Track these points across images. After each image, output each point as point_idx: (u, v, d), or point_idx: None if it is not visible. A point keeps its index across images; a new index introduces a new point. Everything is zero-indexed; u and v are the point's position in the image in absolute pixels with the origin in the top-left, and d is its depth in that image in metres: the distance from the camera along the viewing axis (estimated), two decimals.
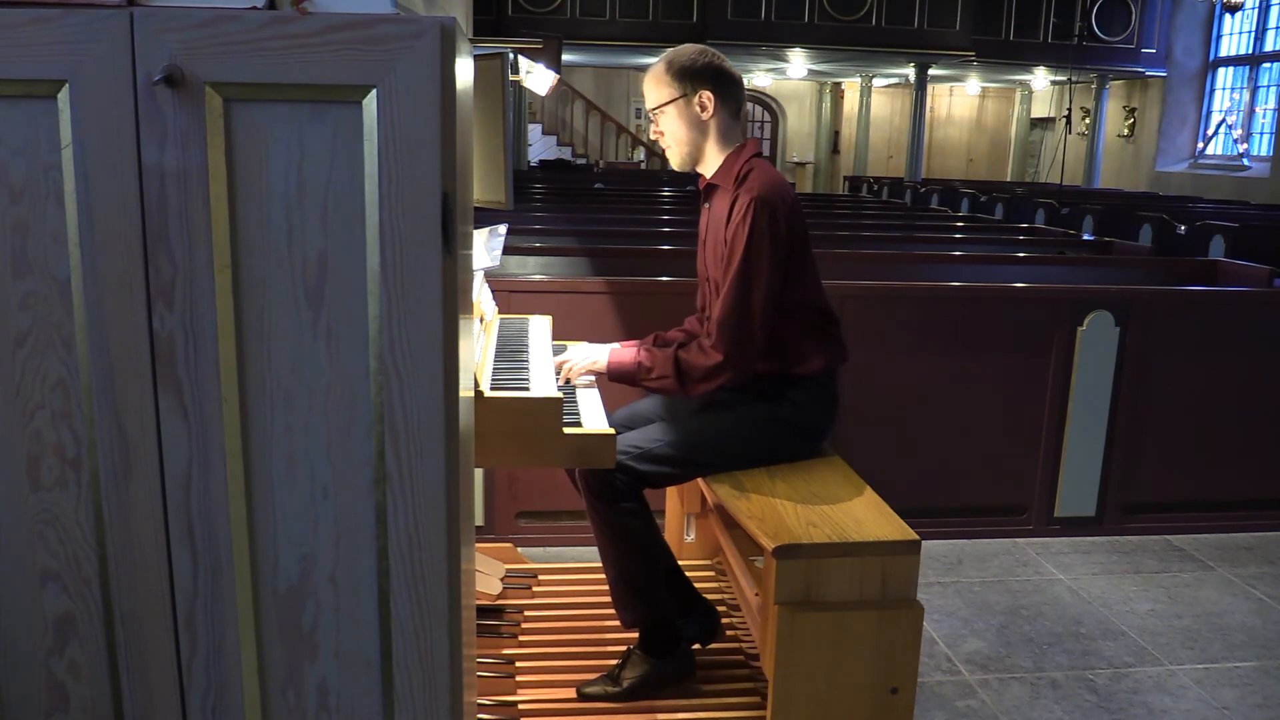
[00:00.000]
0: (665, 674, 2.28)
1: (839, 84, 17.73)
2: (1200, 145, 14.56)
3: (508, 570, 2.84)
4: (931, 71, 14.25)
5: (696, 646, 2.34)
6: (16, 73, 1.19)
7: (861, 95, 15.68)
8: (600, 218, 6.03)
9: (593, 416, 2.09)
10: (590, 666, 2.37)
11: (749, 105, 18.39)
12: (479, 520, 3.25)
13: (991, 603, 3.02)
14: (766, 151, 18.82)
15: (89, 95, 1.20)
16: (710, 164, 2.27)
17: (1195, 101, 14.54)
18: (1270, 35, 13.34)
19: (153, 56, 1.18)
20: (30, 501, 1.31)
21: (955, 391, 3.40)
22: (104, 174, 1.21)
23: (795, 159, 18.27)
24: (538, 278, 3.37)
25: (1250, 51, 13.63)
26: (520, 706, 2.26)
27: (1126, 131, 15.58)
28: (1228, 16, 13.92)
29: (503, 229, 2.51)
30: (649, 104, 2.25)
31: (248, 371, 1.26)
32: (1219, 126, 14.27)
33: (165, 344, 1.26)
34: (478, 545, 2.81)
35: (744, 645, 2.53)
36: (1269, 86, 13.37)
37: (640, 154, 15.88)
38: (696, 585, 2.36)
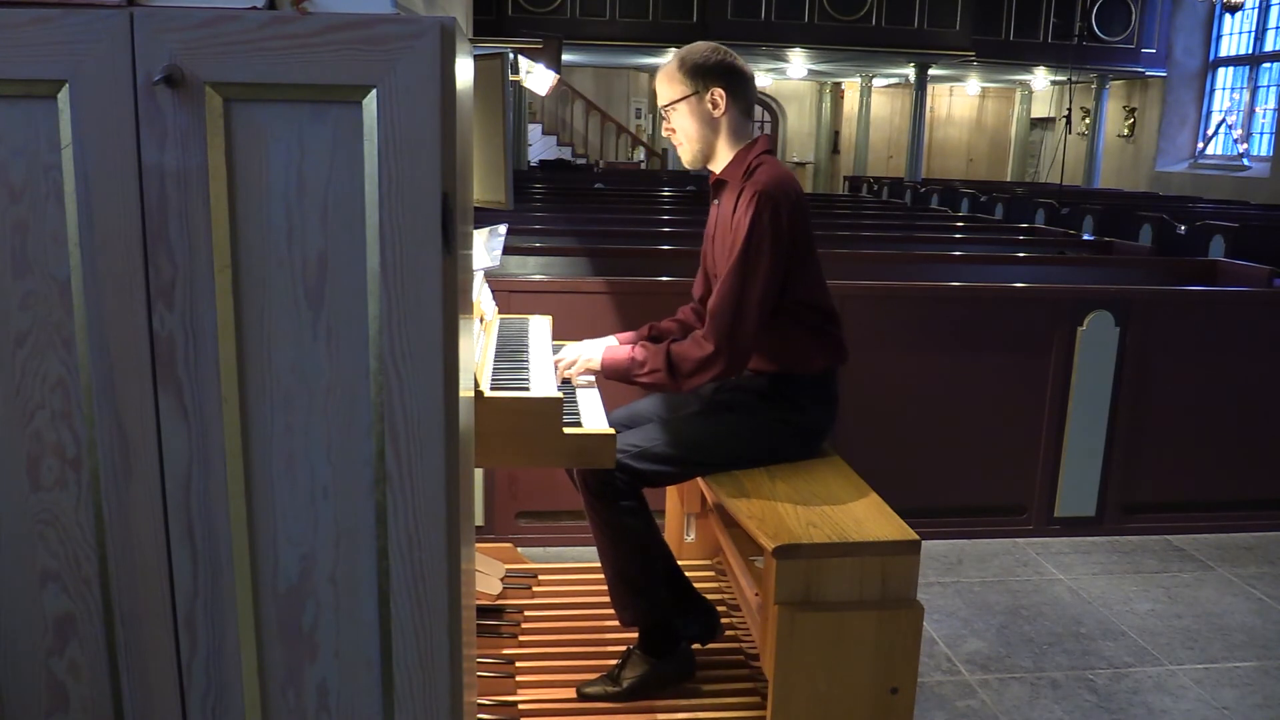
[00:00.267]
0: (665, 674, 2.28)
1: (839, 84, 17.73)
2: (1200, 145, 14.56)
3: (508, 570, 2.84)
4: (931, 71, 14.25)
5: (696, 646, 2.34)
6: (16, 73, 1.19)
7: (861, 95, 15.68)
8: (600, 218, 6.03)
9: (593, 416, 2.09)
10: (590, 666, 2.37)
11: None
12: (479, 520, 3.25)
13: (991, 603, 3.02)
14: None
15: (89, 95, 1.20)
16: (721, 160, 2.27)
17: (1195, 101, 14.54)
18: (1270, 35, 13.34)
19: (153, 56, 1.18)
20: (30, 501, 1.31)
21: (955, 391, 3.40)
22: (104, 174, 1.21)
23: (795, 159, 18.26)
24: (538, 278, 3.38)
25: (1250, 51, 13.63)
26: (520, 706, 2.26)
27: (1126, 131, 15.58)
28: (1228, 16, 13.92)
29: (503, 229, 2.51)
30: (661, 101, 2.26)
31: (248, 371, 1.26)
32: (1219, 126, 14.27)
33: (165, 344, 1.26)
34: (478, 545, 2.81)
35: (744, 645, 2.53)
36: (1269, 86, 13.37)
37: (640, 154, 15.87)
38: (696, 585, 2.36)
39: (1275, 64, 13.30)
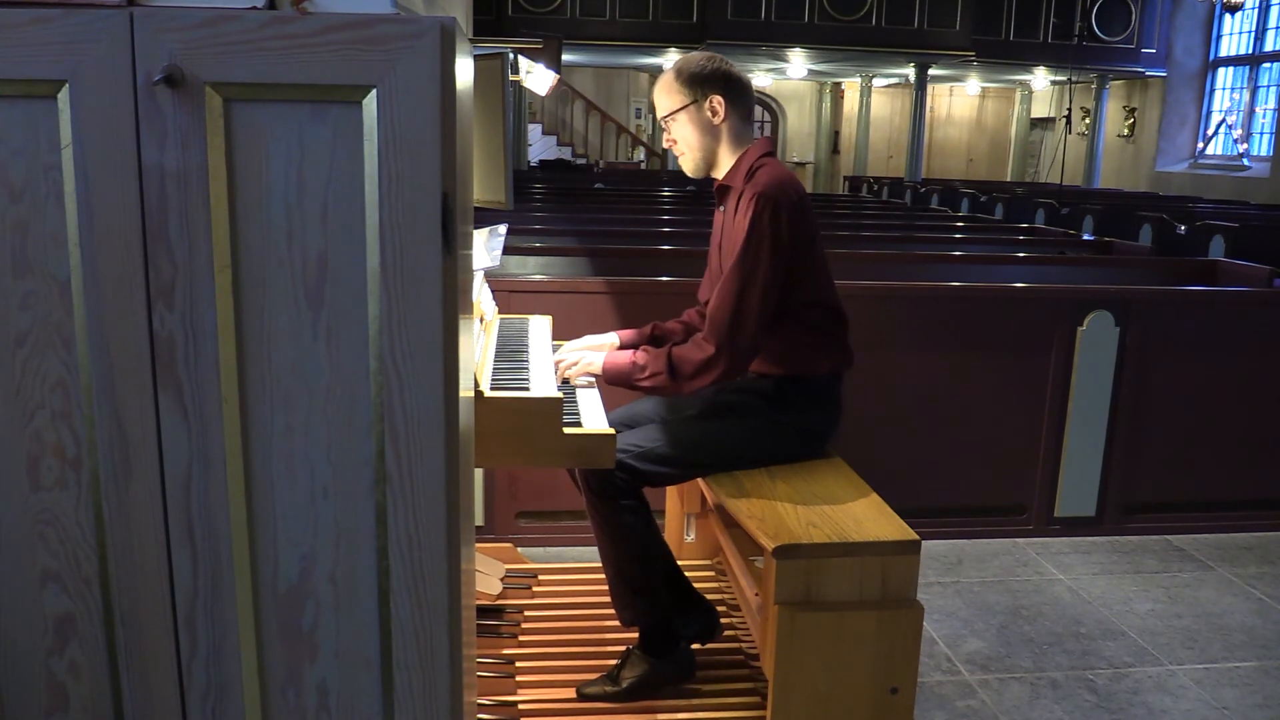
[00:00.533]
0: (665, 674, 2.28)
1: (839, 84, 17.73)
2: (1200, 145, 14.56)
3: (508, 570, 2.84)
4: (931, 71, 14.24)
5: (696, 646, 2.34)
6: (16, 73, 1.19)
7: (861, 95, 15.68)
8: (600, 218, 6.03)
9: (593, 416, 2.09)
10: (590, 666, 2.37)
11: None
12: (479, 520, 3.25)
13: (991, 603, 3.02)
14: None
15: (89, 95, 1.20)
16: (724, 166, 2.28)
17: (1195, 101, 14.54)
18: (1270, 35, 13.34)
19: (153, 56, 1.18)
20: (30, 501, 1.31)
21: (955, 391, 3.40)
22: (104, 174, 1.21)
23: (795, 159, 18.27)
24: (538, 278, 3.37)
25: (1250, 51, 13.63)
26: (520, 706, 2.26)
27: (1126, 131, 15.58)
28: (1228, 16, 13.92)
29: (503, 229, 2.51)
30: (660, 112, 2.27)
31: (248, 371, 1.26)
32: (1219, 126, 14.27)
33: (165, 344, 1.26)
34: (478, 545, 2.81)
35: (744, 645, 2.53)
36: (1269, 86, 13.37)
37: (640, 154, 15.88)
38: (696, 585, 2.36)
39: (1275, 64, 13.30)
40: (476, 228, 2.13)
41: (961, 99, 18.64)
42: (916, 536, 1.94)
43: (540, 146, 15.22)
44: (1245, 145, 13.60)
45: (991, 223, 7.34)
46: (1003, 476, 3.49)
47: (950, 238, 5.84)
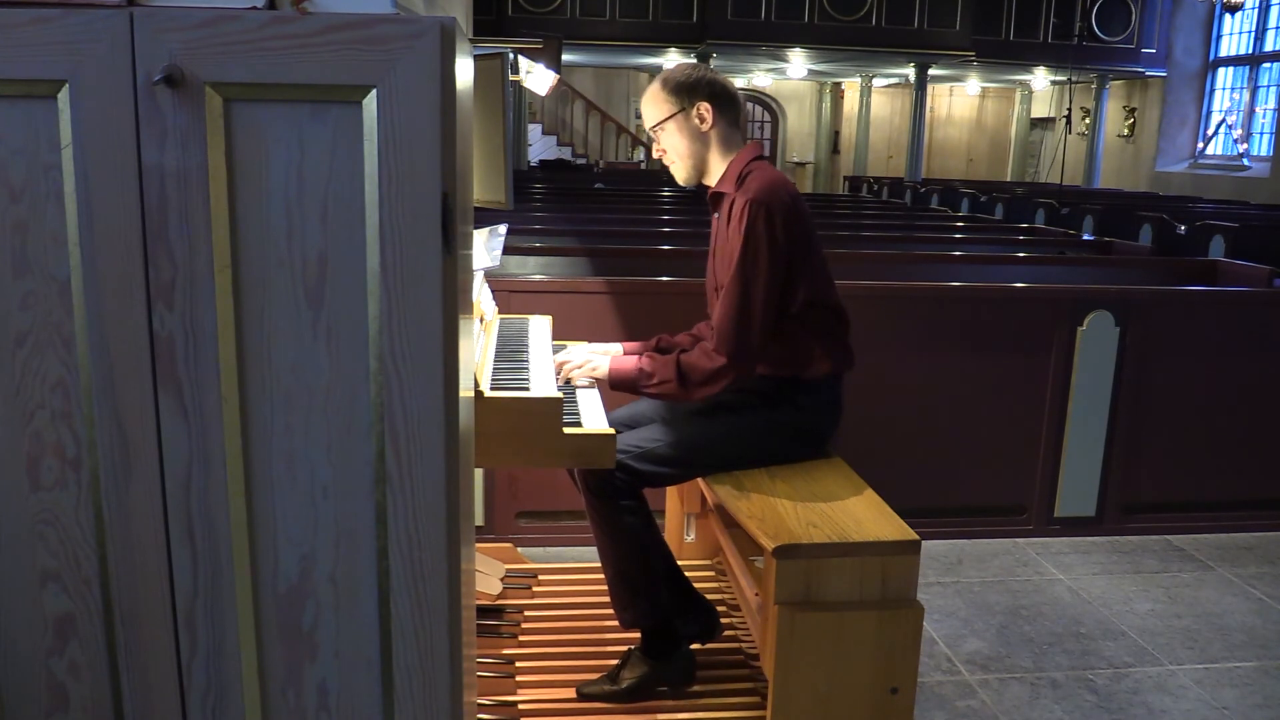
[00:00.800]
0: (665, 677, 2.28)
1: (839, 84, 17.73)
2: (1200, 145, 14.56)
3: (508, 570, 2.84)
4: (931, 71, 14.25)
5: (696, 646, 2.34)
6: (16, 73, 1.19)
7: (861, 95, 15.68)
8: (600, 218, 6.03)
9: (593, 416, 2.09)
10: (590, 666, 2.37)
11: (749, 106, 18.44)
12: (479, 520, 3.25)
13: (991, 603, 3.02)
14: (767, 152, 18.81)
15: (89, 95, 1.20)
16: (715, 173, 2.30)
17: (1195, 101, 14.54)
18: (1270, 35, 13.34)
19: (153, 56, 1.18)
20: (30, 501, 1.31)
21: (955, 391, 3.40)
22: (104, 174, 1.21)
23: (795, 159, 18.27)
24: (538, 278, 3.37)
25: (1250, 51, 13.64)
26: (520, 706, 2.26)
27: (1126, 131, 15.58)
28: (1228, 16, 13.93)
29: (503, 229, 2.51)
30: (649, 122, 2.28)
31: (248, 371, 1.26)
32: (1219, 126, 14.27)
33: (165, 344, 1.26)
34: (478, 545, 2.81)
35: (744, 645, 2.53)
36: (1269, 86, 13.37)
37: (640, 154, 15.87)
38: (696, 585, 2.36)
39: (1275, 64, 13.30)
40: (476, 228, 2.13)
41: (961, 99, 18.64)
42: (916, 536, 1.94)
43: (540, 146, 15.22)
44: (1245, 145, 13.60)
45: (991, 223, 7.34)
46: (1003, 476, 3.49)
47: (950, 238, 5.84)
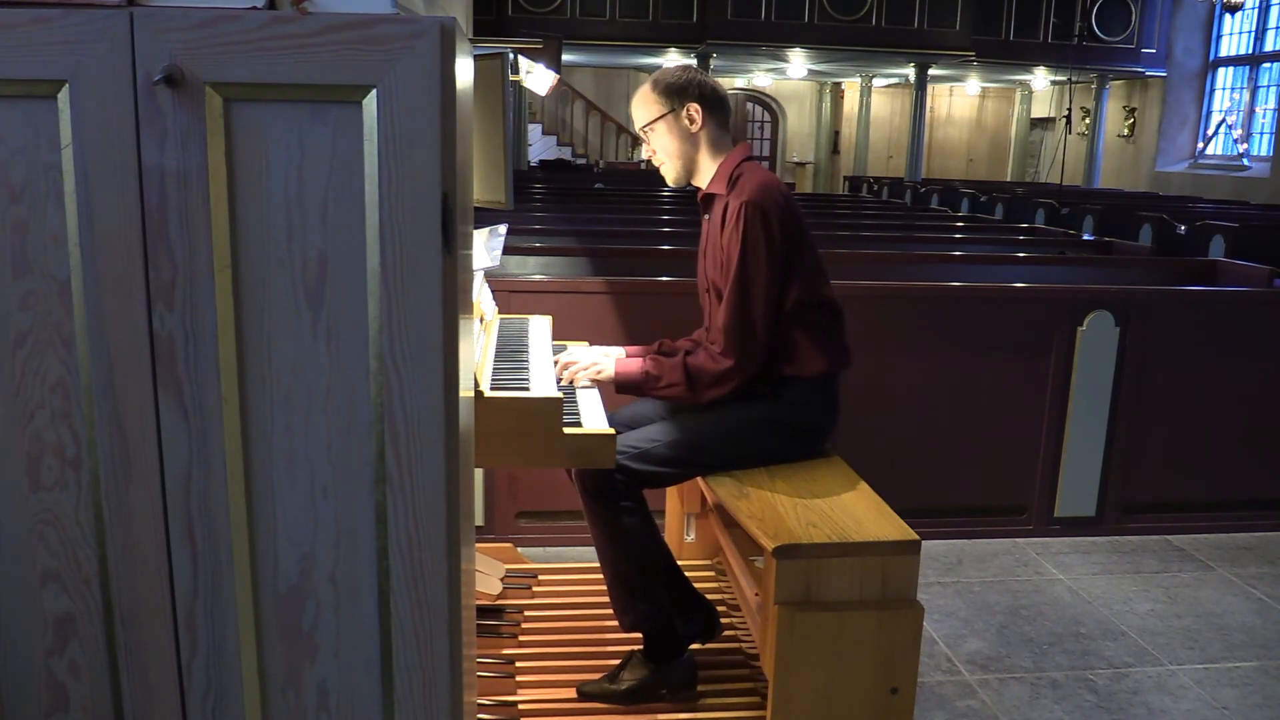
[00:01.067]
0: (666, 681, 2.28)
1: (839, 84, 17.73)
2: (1200, 145, 14.56)
3: (508, 570, 2.84)
4: (931, 71, 14.25)
5: (696, 645, 2.34)
6: (16, 73, 1.19)
7: (861, 95, 15.68)
8: (600, 218, 6.03)
9: (593, 416, 2.09)
10: (590, 666, 2.37)
11: (749, 106, 18.45)
12: (479, 520, 3.25)
13: (991, 603, 3.02)
14: (766, 152, 18.74)
15: (89, 95, 1.20)
16: (705, 175, 2.31)
17: (1195, 101, 14.54)
18: (1270, 35, 13.34)
19: (153, 56, 1.18)
20: (30, 501, 1.31)
21: (955, 391, 3.40)
22: (104, 174, 1.21)
23: (795, 159, 18.27)
24: (538, 278, 3.37)
25: (1250, 51, 13.63)
26: (520, 706, 2.26)
27: (1126, 131, 15.58)
28: (1228, 16, 13.93)
29: (503, 229, 2.51)
30: (639, 123, 2.30)
31: (248, 371, 1.26)
32: (1219, 126, 14.27)
33: (165, 344, 1.26)
34: (478, 545, 2.81)
35: (744, 645, 2.53)
36: (1269, 86, 13.37)
37: (640, 154, 15.85)
38: (696, 585, 2.36)
39: (1275, 64, 13.30)
40: (476, 228, 2.13)
41: (961, 99, 18.64)
42: (916, 536, 1.94)
43: (540, 146, 15.22)
44: (1245, 145, 13.60)
45: (991, 223, 7.34)
46: (1003, 476, 3.49)
47: (950, 238, 5.83)
